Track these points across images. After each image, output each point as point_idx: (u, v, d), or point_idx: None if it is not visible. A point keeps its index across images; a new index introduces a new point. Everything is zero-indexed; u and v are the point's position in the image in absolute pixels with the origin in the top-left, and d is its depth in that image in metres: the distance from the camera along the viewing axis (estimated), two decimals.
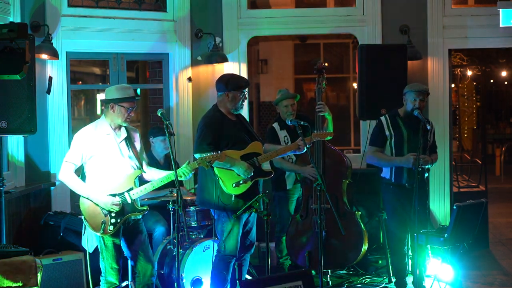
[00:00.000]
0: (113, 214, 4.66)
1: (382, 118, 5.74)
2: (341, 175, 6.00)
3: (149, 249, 4.90)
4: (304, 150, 5.13)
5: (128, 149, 4.81)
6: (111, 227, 4.65)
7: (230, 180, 4.99)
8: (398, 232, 5.65)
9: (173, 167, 4.59)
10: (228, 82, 5.17)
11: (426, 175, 5.74)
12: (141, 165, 4.86)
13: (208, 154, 4.74)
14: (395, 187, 5.60)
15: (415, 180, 5.42)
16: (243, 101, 5.18)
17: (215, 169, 5.00)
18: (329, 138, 5.52)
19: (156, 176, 4.84)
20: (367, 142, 6.93)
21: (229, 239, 5.05)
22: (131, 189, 4.73)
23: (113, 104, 4.72)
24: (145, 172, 4.88)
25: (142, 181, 4.90)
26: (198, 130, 5.13)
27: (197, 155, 4.93)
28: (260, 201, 4.96)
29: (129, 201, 4.71)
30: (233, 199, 4.99)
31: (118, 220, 4.68)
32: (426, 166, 5.55)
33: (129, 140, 4.84)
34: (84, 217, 4.70)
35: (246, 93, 5.20)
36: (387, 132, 5.64)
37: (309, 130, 5.78)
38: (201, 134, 5.06)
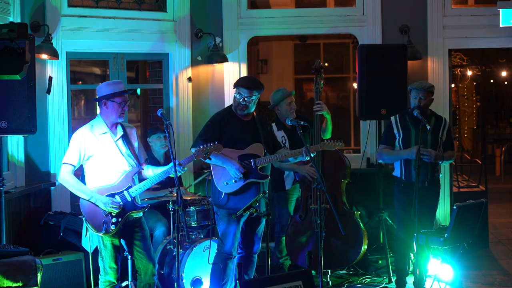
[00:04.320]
0: (114, 214, 4.66)
1: (392, 117, 5.74)
2: (340, 175, 6.00)
3: (150, 248, 4.90)
4: (307, 158, 5.10)
5: (125, 146, 4.81)
6: (112, 227, 4.65)
7: (222, 178, 5.02)
8: (402, 233, 5.65)
9: (173, 163, 4.58)
10: (237, 80, 5.27)
11: (441, 175, 5.76)
12: (139, 162, 4.86)
13: (205, 146, 4.74)
14: (406, 185, 5.60)
15: (424, 179, 5.43)
16: (240, 103, 5.09)
17: (211, 166, 5.02)
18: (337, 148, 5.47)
19: (154, 172, 4.85)
20: (367, 141, 6.99)
21: (224, 237, 5.08)
22: (130, 187, 4.73)
23: (105, 100, 4.72)
24: (143, 169, 4.88)
25: (140, 179, 4.90)
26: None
27: (192, 149, 4.94)
28: (261, 201, 4.97)
29: (129, 199, 4.71)
30: (223, 196, 5.02)
31: (119, 219, 4.68)
32: (440, 163, 5.57)
33: (125, 138, 4.84)
34: (85, 218, 4.70)
35: (244, 96, 5.07)
36: (395, 131, 5.65)
37: (309, 130, 5.79)
38: (202, 129, 5.14)
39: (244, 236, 5.18)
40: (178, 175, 4.67)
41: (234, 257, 5.14)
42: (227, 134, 4.99)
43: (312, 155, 5.08)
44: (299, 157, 5.16)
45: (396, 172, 5.70)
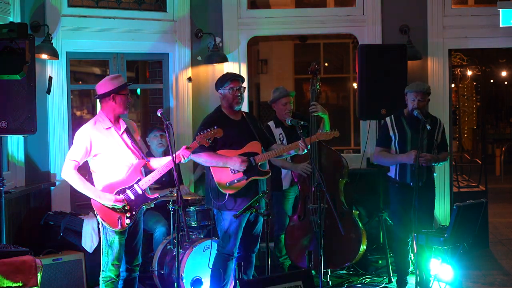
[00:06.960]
0: (127, 207, 4.66)
1: (387, 119, 5.75)
2: (337, 175, 6.00)
3: (140, 248, 4.93)
4: (305, 152, 5.11)
5: (130, 139, 4.82)
6: (127, 221, 4.66)
7: (223, 179, 4.99)
8: (401, 231, 5.67)
9: (173, 163, 4.58)
10: (217, 81, 5.19)
11: (435, 174, 5.77)
12: (144, 154, 4.87)
13: (206, 131, 4.73)
14: (400, 186, 5.61)
15: (419, 179, 5.44)
16: (236, 97, 5.10)
17: (210, 169, 5.00)
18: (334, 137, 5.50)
19: (157, 164, 4.85)
20: (367, 141, 6.99)
21: (226, 238, 5.07)
22: (139, 179, 4.73)
23: (114, 94, 4.72)
24: (149, 161, 4.87)
25: (146, 171, 4.87)
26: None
27: (192, 154, 4.87)
28: (261, 201, 4.97)
29: (140, 192, 4.71)
30: (226, 197, 4.99)
31: (133, 213, 4.69)
32: (434, 164, 5.57)
33: (128, 131, 4.85)
34: (99, 216, 4.68)
35: (237, 88, 5.09)
36: (391, 133, 5.65)
37: (307, 130, 5.79)
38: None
39: (243, 237, 5.17)
40: (184, 162, 4.74)
41: (235, 257, 5.14)
42: (222, 135, 4.89)
43: (308, 147, 5.08)
44: (293, 151, 5.14)
45: (391, 173, 5.71)
